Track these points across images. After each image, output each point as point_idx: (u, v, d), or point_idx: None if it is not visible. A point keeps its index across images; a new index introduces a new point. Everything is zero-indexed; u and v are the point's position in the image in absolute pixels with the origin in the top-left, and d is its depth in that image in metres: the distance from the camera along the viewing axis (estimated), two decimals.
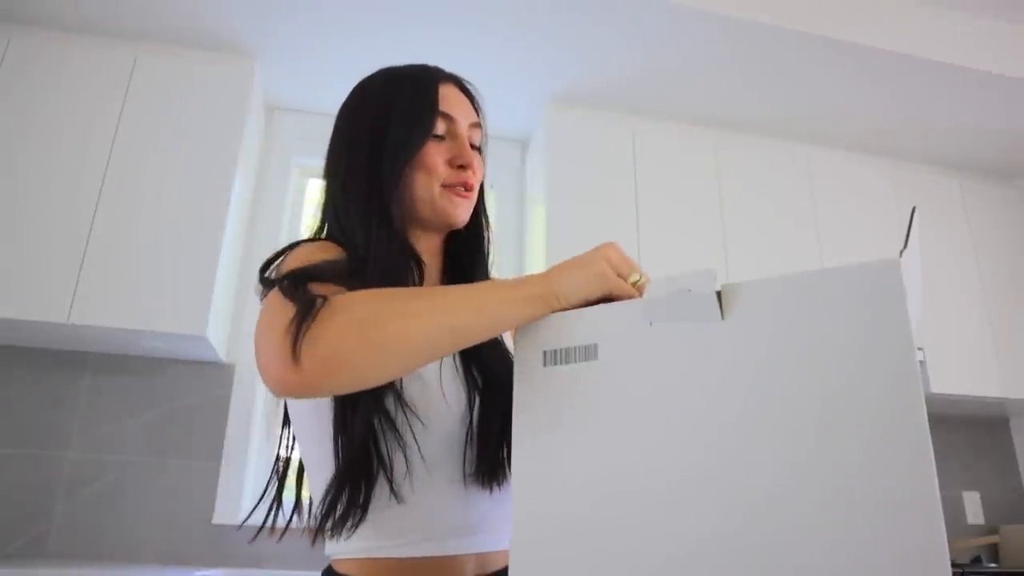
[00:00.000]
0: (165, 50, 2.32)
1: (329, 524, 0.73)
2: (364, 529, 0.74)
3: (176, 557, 2.11)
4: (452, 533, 0.76)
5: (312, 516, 0.77)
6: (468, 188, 0.85)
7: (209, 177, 2.19)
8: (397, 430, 0.73)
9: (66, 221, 2.05)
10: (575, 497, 0.57)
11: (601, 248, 0.67)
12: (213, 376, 2.31)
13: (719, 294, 0.56)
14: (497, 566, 0.79)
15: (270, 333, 0.61)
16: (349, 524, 0.73)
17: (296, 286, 0.65)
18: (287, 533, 0.80)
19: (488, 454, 0.78)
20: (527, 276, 0.67)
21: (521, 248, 2.72)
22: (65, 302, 1.97)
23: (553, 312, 0.64)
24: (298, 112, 2.67)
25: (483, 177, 0.90)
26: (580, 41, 2.32)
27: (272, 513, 0.80)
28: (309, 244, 0.79)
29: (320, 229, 0.87)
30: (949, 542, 0.53)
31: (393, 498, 0.73)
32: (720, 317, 0.55)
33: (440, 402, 0.76)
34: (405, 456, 0.74)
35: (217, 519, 2.17)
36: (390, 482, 0.73)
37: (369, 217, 0.80)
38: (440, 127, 0.83)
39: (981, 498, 2.81)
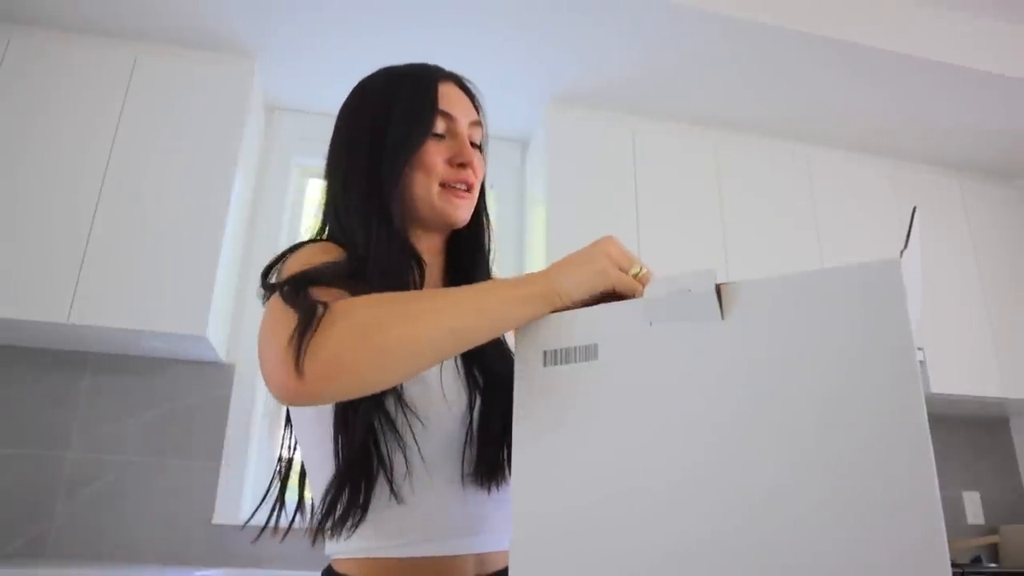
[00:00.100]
0: (165, 50, 2.32)
1: (329, 524, 0.74)
2: (364, 529, 0.74)
3: (176, 557, 2.11)
4: (452, 533, 0.76)
5: (312, 516, 0.77)
6: (468, 187, 0.85)
7: (209, 177, 2.19)
8: (397, 431, 0.73)
9: (66, 221, 2.05)
10: (575, 497, 0.57)
11: (600, 243, 0.67)
12: (213, 376, 2.31)
13: (719, 294, 0.56)
14: (497, 566, 0.79)
15: (273, 340, 0.61)
16: (349, 524, 0.73)
17: (297, 291, 0.65)
18: (288, 533, 0.80)
19: (488, 454, 0.78)
20: (527, 274, 0.66)
21: (521, 248, 2.72)
22: (65, 302, 1.97)
23: (555, 310, 0.64)
24: (298, 112, 2.67)
25: (484, 175, 0.89)
26: (580, 41, 2.32)
27: (275, 514, 0.80)
28: (310, 246, 0.79)
29: (321, 230, 0.87)
30: (949, 542, 0.53)
31: (393, 498, 0.73)
32: (720, 317, 0.55)
33: (440, 402, 0.76)
34: (405, 456, 0.74)
35: (217, 519, 2.17)
36: (390, 482, 0.73)
37: (369, 217, 0.80)
38: (440, 126, 0.83)
39: (981, 498, 2.81)
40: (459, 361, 0.80)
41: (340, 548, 0.76)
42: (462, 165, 0.84)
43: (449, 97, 0.85)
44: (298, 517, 0.82)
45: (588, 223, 2.41)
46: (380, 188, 0.80)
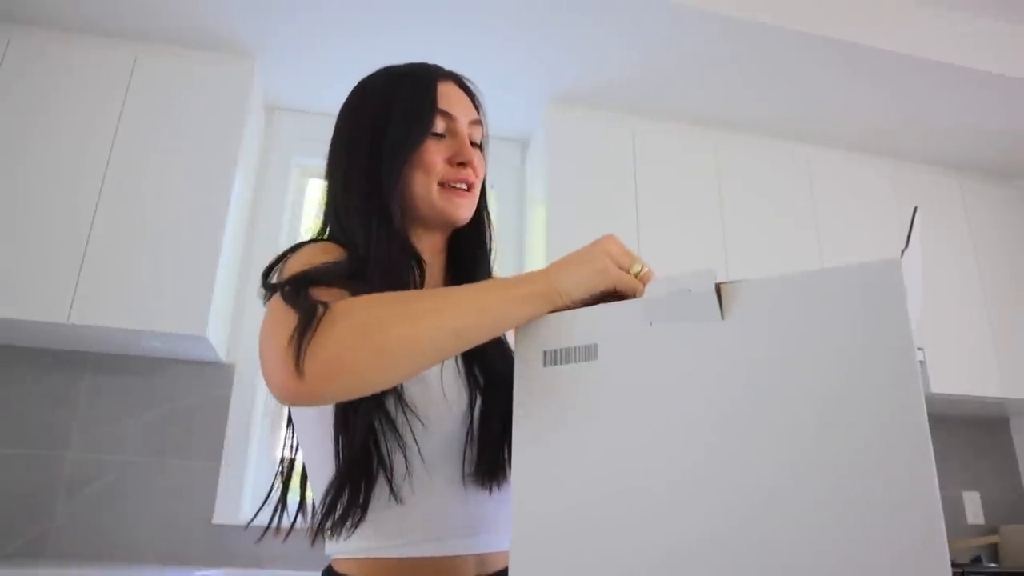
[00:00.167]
0: (165, 50, 2.32)
1: (329, 524, 0.74)
2: (364, 529, 0.74)
3: (176, 557, 2.11)
4: (452, 533, 0.76)
5: (313, 516, 0.77)
6: (469, 186, 0.85)
7: (209, 177, 2.19)
8: (397, 430, 0.73)
9: (66, 221, 2.05)
10: (575, 496, 0.57)
11: (600, 242, 0.66)
12: (213, 376, 2.31)
13: (719, 294, 0.56)
14: (498, 567, 0.78)
15: (273, 340, 0.61)
16: (349, 524, 0.73)
17: (298, 292, 0.65)
18: (290, 534, 0.80)
19: (489, 454, 0.78)
20: (527, 273, 0.66)
21: (521, 248, 2.72)
22: (65, 302, 1.97)
23: (556, 309, 0.64)
24: (298, 112, 2.67)
25: (485, 174, 0.89)
26: (580, 41, 2.32)
27: (278, 514, 0.80)
28: (310, 246, 0.79)
29: (322, 230, 0.87)
30: (949, 542, 0.53)
31: (392, 498, 0.73)
32: (720, 317, 0.55)
33: (441, 402, 0.76)
34: (405, 456, 0.74)
35: (217, 519, 2.17)
36: (390, 482, 0.73)
37: (369, 217, 0.80)
38: (439, 125, 0.83)
39: (981, 498, 2.81)
40: (460, 361, 0.80)
41: (340, 548, 0.76)
42: (462, 164, 0.83)
43: (449, 96, 0.85)
44: (300, 518, 0.82)
45: (588, 223, 2.41)
46: (380, 188, 0.80)
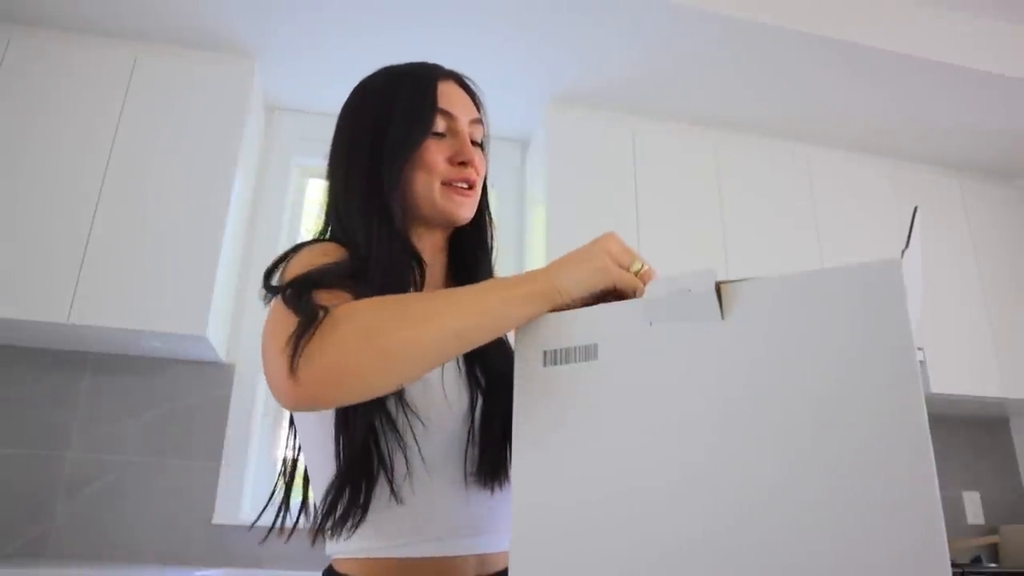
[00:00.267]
0: (165, 50, 2.33)
1: (329, 524, 0.74)
2: (364, 529, 0.74)
3: (176, 557, 2.11)
4: (453, 533, 0.76)
5: (313, 516, 0.77)
6: (470, 185, 0.85)
7: (209, 177, 2.19)
8: (398, 431, 0.73)
9: (66, 221, 2.05)
10: (575, 496, 0.57)
11: (601, 240, 0.66)
12: (213, 376, 2.31)
13: (719, 294, 0.56)
14: (498, 567, 0.78)
15: (272, 343, 0.61)
16: (349, 524, 0.73)
17: (299, 295, 0.65)
18: (293, 534, 0.80)
19: (490, 454, 0.78)
20: (527, 272, 0.66)
21: (521, 248, 2.72)
22: (65, 302, 1.97)
23: (556, 308, 0.64)
24: (298, 112, 2.67)
25: (486, 173, 0.89)
26: (580, 41, 2.32)
27: (281, 514, 0.80)
28: (311, 247, 0.79)
29: (324, 230, 0.87)
30: (949, 542, 0.53)
31: (393, 499, 0.74)
32: (720, 317, 0.55)
33: (441, 402, 0.76)
34: (405, 457, 0.74)
35: (217, 519, 2.17)
36: (390, 483, 0.73)
37: (370, 217, 0.80)
38: (440, 124, 0.83)
39: (981, 498, 2.81)
40: (461, 361, 0.80)
41: (341, 548, 0.76)
42: (463, 163, 0.83)
43: (449, 95, 0.85)
44: (302, 518, 0.82)
45: (588, 223, 2.40)
46: (381, 187, 0.80)
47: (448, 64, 0.90)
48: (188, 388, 2.28)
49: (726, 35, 2.27)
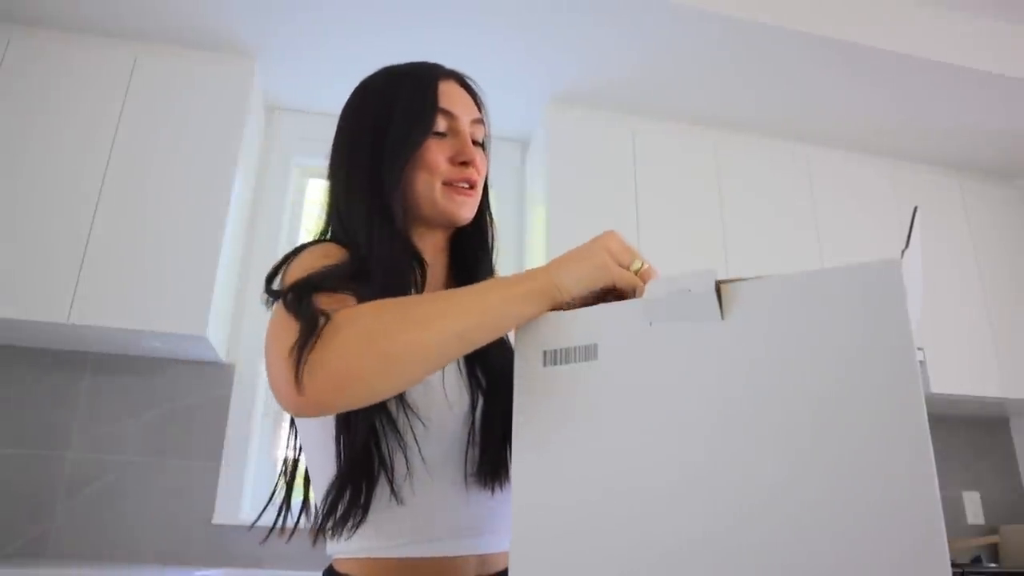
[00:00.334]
0: (165, 50, 2.33)
1: (330, 524, 0.74)
2: (365, 529, 0.74)
3: (176, 557, 2.11)
4: (453, 534, 0.76)
5: (314, 516, 0.77)
6: (471, 185, 0.84)
7: (209, 177, 2.19)
8: (398, 431, 0.73)
9: (66, 221, 2.05)
10: (575, 496, 0.57)
11: (601, 238, 0.66)
12: (213, 376, 2.31)
13: (719, 293, 0.56)
14: (499, 567, 0.78)
15: (275, 350, 0.61)
16: (350, 524, 0.73)
17: (300, 299, 0.64)
18: (294, 534, 0.80)
19: (491, 454, 0.77)
20: (527, 271, 0.66)
21: (521, 248, 2.72)
22: (65, 302, 1.97)
23: (556, 306, 0.64)
24: (298, 112, 2.67)
25: (487, 173, 0.89)
26: (580, 41, 2.32)
27: (282, 515, 0.80)
28: (311, 249, 0.79)
29: (325, 230, 0.87)
30: (949, 542, 0.53)
31: (393, 499, 0.74)
32: (720, 317, 0.55)
33: (442, 403, 0.76)
34: (406, 457, 0.74)
35: (217, 519, 2.17)
36: (391, 483, 0.73)
37: (371, 217, 0.79)
38: (441, 124, 0.83)
39: (981, 498, 2.81)
40: (462, 362, 0.80)
41: (341, 548, 0.76)
42: (464, 163, 0.83)
43: (450, 95, 0.85)
44: (303, 518, 0.82)
45: (588, 223, 2.38)
46: (382, 188, 0.80)
47: (448, 64, 0.90)
48: (188, 388, 2.28)
49: (726, 35, 2.27)
